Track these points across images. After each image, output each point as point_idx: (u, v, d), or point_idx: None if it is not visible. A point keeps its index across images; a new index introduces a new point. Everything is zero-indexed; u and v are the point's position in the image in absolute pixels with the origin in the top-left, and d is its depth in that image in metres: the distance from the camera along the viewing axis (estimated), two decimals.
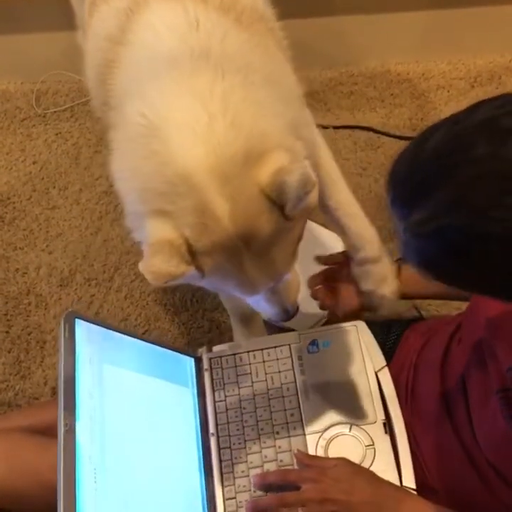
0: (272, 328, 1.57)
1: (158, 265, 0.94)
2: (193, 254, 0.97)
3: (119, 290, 1.90)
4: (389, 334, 1.35)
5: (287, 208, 0.97)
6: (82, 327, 1.22)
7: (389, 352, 1.32)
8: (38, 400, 1.74)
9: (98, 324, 1.26)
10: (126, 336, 1.30)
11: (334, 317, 1.41)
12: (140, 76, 1.09)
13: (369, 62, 2.43)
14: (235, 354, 1.34)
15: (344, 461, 1.15)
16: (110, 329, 1.28)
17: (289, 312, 1.17)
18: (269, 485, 1.18)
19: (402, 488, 1.15)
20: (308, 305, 1.74)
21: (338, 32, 2.34)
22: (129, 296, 1.88)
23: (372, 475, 1.15)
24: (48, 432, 1.12)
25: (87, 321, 1.24)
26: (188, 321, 1.83)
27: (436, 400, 1.18)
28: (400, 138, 2.18)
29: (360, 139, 2.17)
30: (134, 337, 1.32)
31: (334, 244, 1.84)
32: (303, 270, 1.66)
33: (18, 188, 2.15)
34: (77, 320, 1.22)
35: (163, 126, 0.98)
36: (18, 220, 2.07)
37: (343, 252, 1.38)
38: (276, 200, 0.96)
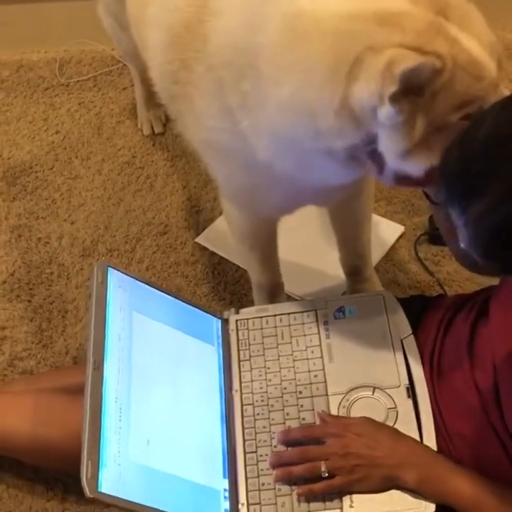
0: None
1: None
2: None
3: (141, 261, 1.90)
4: (410, 309, 1.34)
5: None
6: (114, 276, 1.24)
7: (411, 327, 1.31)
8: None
9: (130, 276, 1.28)
10: (157, 290, 1.32)
11: None
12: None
13: None
14: (261, 317, 1.35)
15: (366, 419, 1.17)
16: (142, 282, 1.30)
17: None
18: (292, 440, 1.19)
19: (424, 444, 1.16)
20: (327, 277, 1.75)
21: None
22: (151, 267, 1.88)
23: (395, 431, 1.16)
24: (76, 392, 1.14)
25: (120, 271, 1.26)
26: (209, 293, 1.83)
27: (463, 375, 1.17)
28: None
29: None
30: (165, 292, 1.33)
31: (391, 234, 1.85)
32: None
33: (40, 157, 2.15)
34: (109, 269, 1.24)
35: None
36: (40, 190, 2.07)
37: None
38: None
